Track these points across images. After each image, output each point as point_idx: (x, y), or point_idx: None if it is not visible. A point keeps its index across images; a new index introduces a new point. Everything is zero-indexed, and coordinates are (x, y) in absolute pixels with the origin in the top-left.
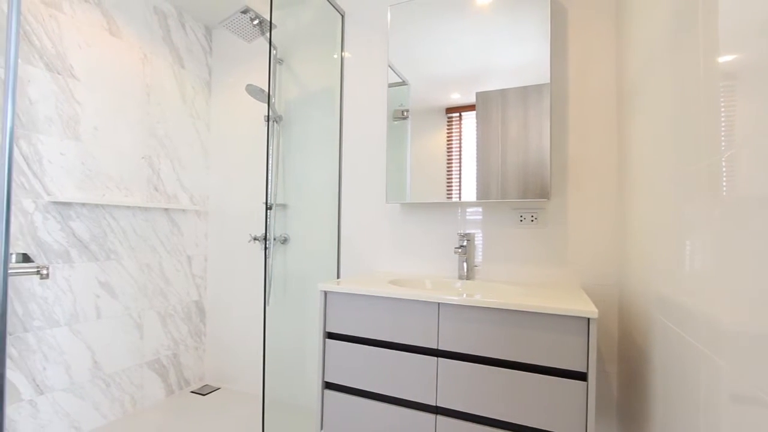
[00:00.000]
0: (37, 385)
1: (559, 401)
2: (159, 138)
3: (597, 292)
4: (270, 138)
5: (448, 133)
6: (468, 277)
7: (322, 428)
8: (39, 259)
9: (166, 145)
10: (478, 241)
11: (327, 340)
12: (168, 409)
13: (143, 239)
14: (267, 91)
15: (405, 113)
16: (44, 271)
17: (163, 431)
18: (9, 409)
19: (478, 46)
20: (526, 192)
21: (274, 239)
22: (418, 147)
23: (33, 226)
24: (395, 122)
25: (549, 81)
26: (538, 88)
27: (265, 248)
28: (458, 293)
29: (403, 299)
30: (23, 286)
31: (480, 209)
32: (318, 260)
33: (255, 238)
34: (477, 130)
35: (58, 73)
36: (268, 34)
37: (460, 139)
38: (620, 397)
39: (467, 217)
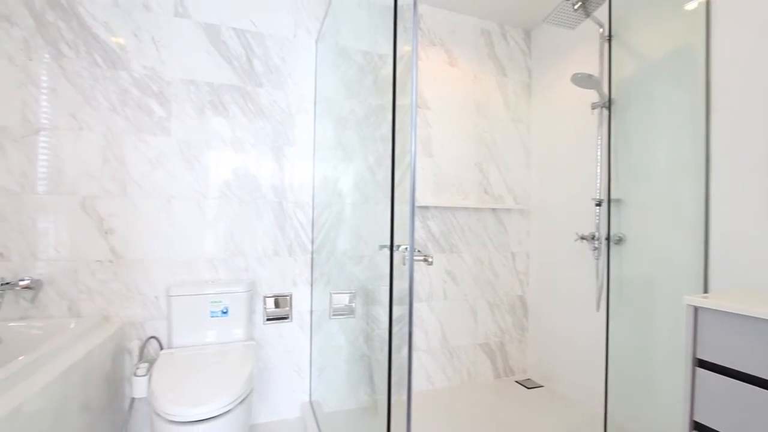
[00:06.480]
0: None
1: None
2: (487, 145)
3: None
4: (599, 127)
5: None
6: None
7: None
8: None
9: (492, 150)
10: None
11: (697, 369)
12: (497, 391)
13: (476, 236)
14: (597, 75)
15: None
16: (429, 259)
17: (499, 412)
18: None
19: None
20: None
21: (606, 239)
22: None
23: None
24: None
25: None
26: None
27: (608, 249)
28: None
29: None
30: (400, 269)
31: None
32: (667, 265)
33: (582, 238)
34: None
35: (419, 107)
36: (593, 14)
37: None
38: None
39: None
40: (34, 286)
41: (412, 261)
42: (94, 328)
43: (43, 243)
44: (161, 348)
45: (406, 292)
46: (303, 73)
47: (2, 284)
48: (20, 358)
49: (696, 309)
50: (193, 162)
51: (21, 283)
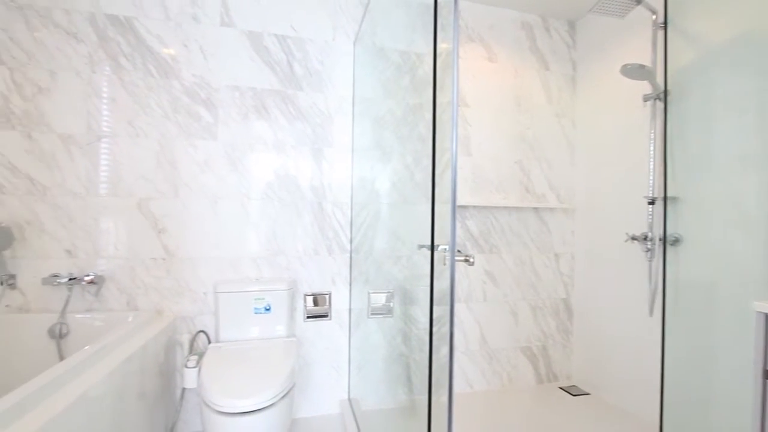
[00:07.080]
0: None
1: None
2: (528, 142)
3: None
4: (652, 120)
5: None
6: None
7: None
8: None
9: (534, 147)
10: None
11: None
12: (539, 397)
13: (517, 236)
14: (650, 65)
15: None
16: (471, 260)
17: (541, 419)
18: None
19: None
20: None
21: (661, 240)
22: None
23: (445, 226)
24: None
25: None
26: None
27: (664, 251)
28: None
29: None
30: (439, 269)
31: None
32: (731, 268)
33: (633, 238)
34: None
35: (457, 105)
36: (645, 0)
37: None
38: None
39: None
40: (97, 282)
41: (453, 261)
42: (149, 321)
43: (105, 241)
44: (209, 342)
45: (446, 293)
46: (341, 75)
47: (70, 279)
48: (86, 348)
49: (767, 316)
50: (238, 164)
51: (86, 278)
